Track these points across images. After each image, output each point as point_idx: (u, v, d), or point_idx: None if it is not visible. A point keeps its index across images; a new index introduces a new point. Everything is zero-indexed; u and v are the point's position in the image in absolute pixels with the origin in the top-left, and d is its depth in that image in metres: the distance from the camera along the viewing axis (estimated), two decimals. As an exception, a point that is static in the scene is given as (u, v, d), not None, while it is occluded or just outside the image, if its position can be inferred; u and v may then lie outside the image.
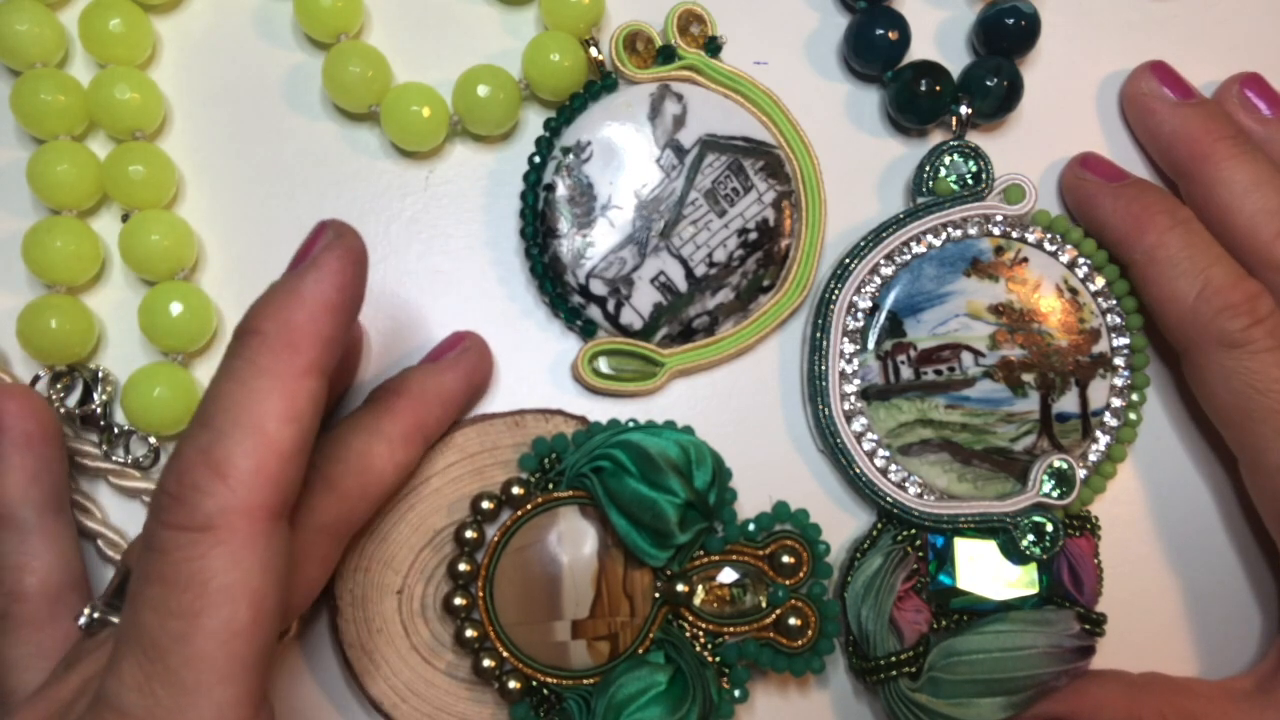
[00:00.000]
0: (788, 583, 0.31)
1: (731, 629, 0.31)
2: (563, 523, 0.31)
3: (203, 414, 0.23)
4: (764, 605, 0.31)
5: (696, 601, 0.31)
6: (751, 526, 0.31)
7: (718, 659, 0.31)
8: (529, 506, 0.31)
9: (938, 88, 0.34)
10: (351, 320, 0.25)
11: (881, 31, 0.34)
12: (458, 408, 0.32)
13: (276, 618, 0.23)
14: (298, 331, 0.24)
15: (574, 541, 0.31)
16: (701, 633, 0.31)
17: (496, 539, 0.31)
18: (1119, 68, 0.36)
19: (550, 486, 0.31)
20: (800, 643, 0.31)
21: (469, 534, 0.30)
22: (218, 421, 0.23)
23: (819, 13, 0.36)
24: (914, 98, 0.34)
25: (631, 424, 0.32)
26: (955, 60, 0.35)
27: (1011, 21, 0.35)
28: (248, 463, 0.22)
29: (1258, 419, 0.31)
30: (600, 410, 0.33)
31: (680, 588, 0.30)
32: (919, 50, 0.35)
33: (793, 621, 0.31)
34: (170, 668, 0.22)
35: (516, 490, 0.31)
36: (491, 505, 0.31)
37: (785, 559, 0.31)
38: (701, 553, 0.31)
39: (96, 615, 0.27)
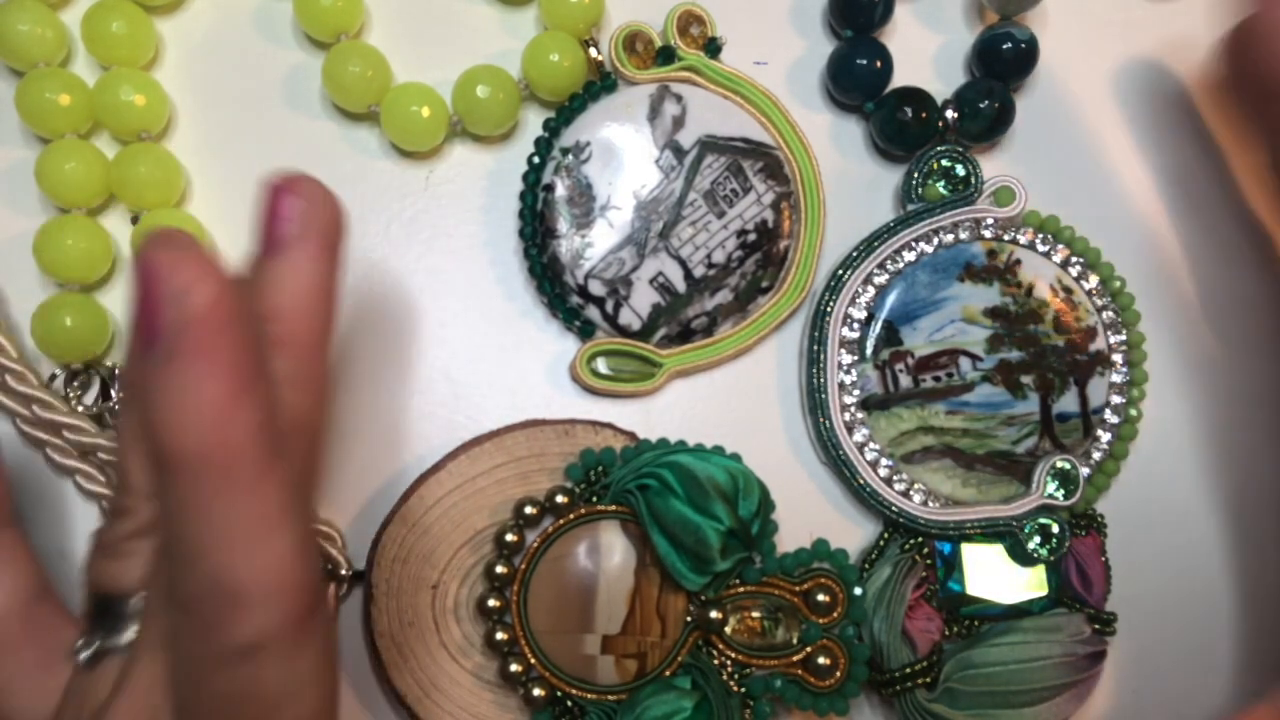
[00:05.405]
0: (821, 621, 0.31)
1: (760, 661, 0.31)
2: (603, 536, 0.31)
3: (188, 551, 0.21)
4: (795, 641, 0.31)
5: (728, 630, 0.31)
6: (789, 561, 0.31)
7: (743, 690, 0.31)
8: (571, 516, 0.31)
9: (924, 114, 0.34)
10: (272, 381, 0.21)
11: (863, 62, 0.34)
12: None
13: (338, 678, 0.23)
14: (225, 446, 0.20)
15: (612, 556, 0.31)
16: (729, 662, 0.31)
17: (536, 545, 0.31)
18: (1118, 67, 0.36)
19: (594, 499, 0.31)
20: (828, 682, 0.31)
21: (509, 537, 0.30)
22: (214, 556, 0.20)
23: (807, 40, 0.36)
24: (903, 127, 0.34)
25: (681, 445, 0.32)
26: (953, 86, 0.35)
27: (1008, 47, 0.34)
28: (261, 584, 0.21)
29: None
30: (599, 411, 0.33)
31: (714, 614, 0.30)
32: (916, 77, 0.35)
33: (822, 660, 0.31)
34: None
35: (560, 499, 0.31)
36: (535, 511, 0.31)
37: (821, 597, 0.31)
38: (737, 582, 0.31)
39: (96, 647, 0.26)
